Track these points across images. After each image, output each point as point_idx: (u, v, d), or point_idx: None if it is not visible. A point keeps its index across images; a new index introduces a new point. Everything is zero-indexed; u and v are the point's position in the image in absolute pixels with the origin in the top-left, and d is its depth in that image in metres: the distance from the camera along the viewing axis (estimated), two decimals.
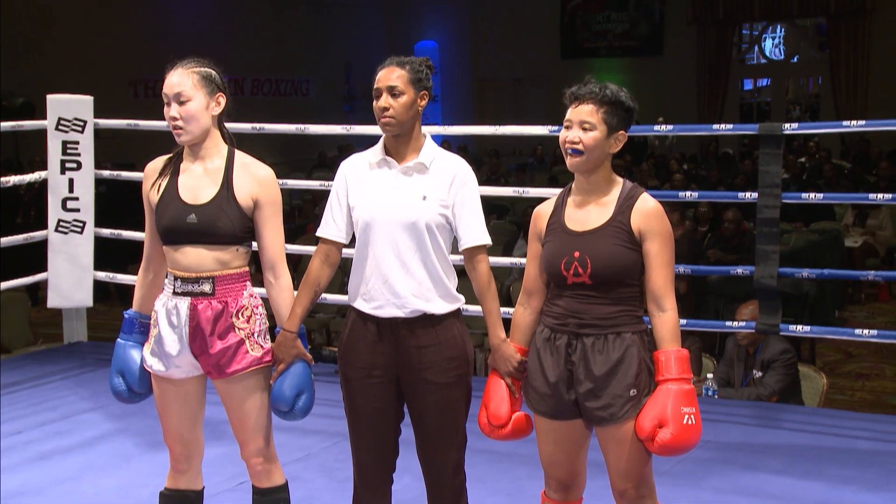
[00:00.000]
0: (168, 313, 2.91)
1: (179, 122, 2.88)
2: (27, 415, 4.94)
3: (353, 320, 3.00)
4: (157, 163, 3.01)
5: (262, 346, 2.96)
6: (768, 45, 20.08)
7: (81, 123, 5.75)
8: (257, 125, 5.76)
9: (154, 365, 2.96)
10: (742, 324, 5.08)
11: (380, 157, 2.95)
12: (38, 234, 5.89)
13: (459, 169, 2.95)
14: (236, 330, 2.91)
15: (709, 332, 6.59)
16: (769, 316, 4.76)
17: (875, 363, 8.34)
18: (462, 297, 3.01)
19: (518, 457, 4.25)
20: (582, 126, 2.73)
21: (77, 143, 5.72)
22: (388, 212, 2.89)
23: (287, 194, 14.74)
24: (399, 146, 2.94)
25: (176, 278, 2.90)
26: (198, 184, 2.91)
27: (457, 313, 2.99)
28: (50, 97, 5.80)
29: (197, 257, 2.88)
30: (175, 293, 2.90)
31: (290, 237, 9.50)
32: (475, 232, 2.94)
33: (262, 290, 3.12)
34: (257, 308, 2.97)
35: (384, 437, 3.02)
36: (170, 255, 2.92)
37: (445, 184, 2.92)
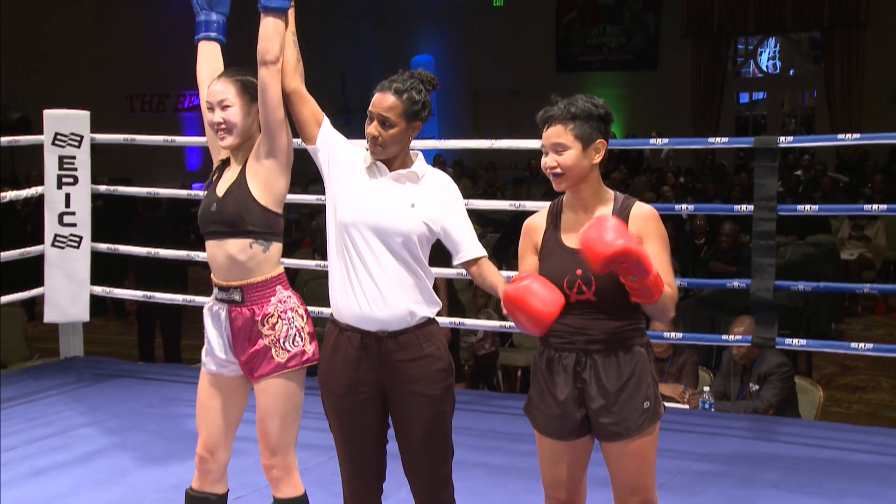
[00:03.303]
0: (213, 317, 3.06)
1: (224, 126, 2.99)
2: (23, 430, 4.92)
3: (335, 337, 2.96)
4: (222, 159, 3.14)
5: (287, 351, 3.00)
6: (763, 58, 20.16)
7: (78, 138, 5.75)
8: None
9: (206, 363, 3.10)
10: (738, 337, 5.08)
11: (370, 161, 2.94)
12: (34, 249, 5.88)
13: (448, 185, 2.98)
14: (263, 336, 3.00)
15: (705, 345, 6.59)
16: (765, 329, 4.76)
17: (871, 375, 8.35)
18: (440, 301, 3.00)
19: (514, 470, 4.25)
20: (555, 149, 2.72)
21: (74, 157, 5.72)
22: (375, 216, 2.86)
23: (284, 209, 14.74)
24: (388, 161, 2.94)
25: (215, 285, 3.05)
26: (227, 180, 3.04)
27: (436, 322, 2.97)
28: (46, 112, 5.80)
29: (220, 257, 2.99)
30: (217, 299, 3.06)
31: (287, 251, 9.50)
32: (477, 244, 2.96)
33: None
34: (284, 314, 3.01)
35: (373, 453, 3.01)
36: (208, 254, 3.06)
37: (434, 197, 2.92)
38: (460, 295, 7.70)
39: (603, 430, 2.74)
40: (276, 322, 3.00)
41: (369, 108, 2.88)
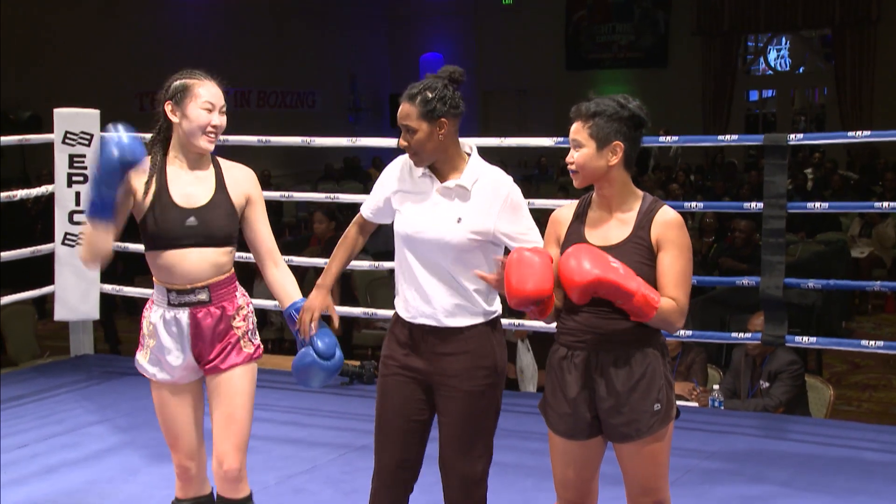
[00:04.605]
0: (167, 325, 2.98)
1: (218, 131, 2.98)
2: (33, 428, 4.94)
3: (393, 322, 3.08)
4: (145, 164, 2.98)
5: (252, 343, 3.05)
6: (773, 55, 20.11)
7: (88, 137, 5.76)
8: (263, 137, 5.77)
9: (157, 374, 3.02)
10: (748, 335, 5.07)
11: (422, 170, 2.98)
12: (44, 248, 5.90)
13: (500, 189, 2.94)
14: (234, 329, 3.01)
15: (715, 343, 6.58)
16: (775, 327, 4.75)
17: (882, 374, 8.33)
18: (497, 310, 3.02)
19: (523, 468, 4.25)
20: (573, 145, 2.73)
21: (84, 156, 5.73)
22: (424, 230, 2.93)
23: (293, 206, 14.77)
24: (438, 167, 2.96)
25: (169, 291, 2.95)
26: (191, 190, 2.97)
27: (492, 324, 3.00)
28: (57, 111, 5.82)
29: (197, 262, 2.93)
30: (171, 304, 2.97)
31: (296, 249, 9.51)
32: (532, 241, 2.94)
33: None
34: (249, 305, 3.08)
35: (408, 438, 3.01)
36: (162, 264, 2.94)
37: (483, 207, 2.92)
38: None
39: (613, 431, 2.73)
40: (247, 314, 3.05)
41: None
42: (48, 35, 15.23)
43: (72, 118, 5.78)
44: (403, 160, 3.05)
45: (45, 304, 8.54)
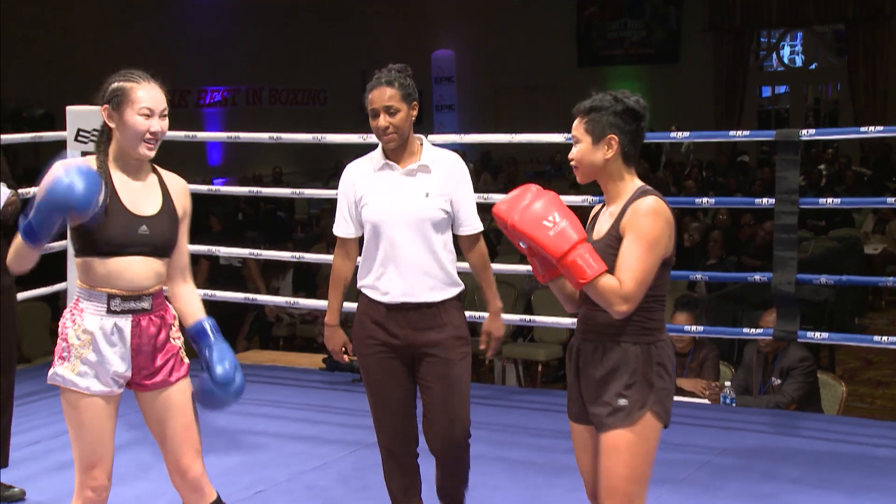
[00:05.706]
0: (106, 334, 2.83)
1: (158, 137, 2.86)
2: (46, 424, 4.95)
3: (365, 304, 3.25)
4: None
5: (186, 357, 2.98)
6: (786, 51, 20.04)
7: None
8: (274, 134, 5.80)
9: (92, 387, 2.83)
10: (759, 331, 5.05)
11: (381, 162, 3.23)
12: (56, 245, 5.91)
13: (456, 165, 3.27)
14: (172, 340, 2.92)
15: (727, 339, 6.56)
16: (787, 322, 4.74)
17: (895, 370, 8.29)
18: (462, 283, 3.26)
19: (534, 465, 4.25)
20: (574, 141, 2.75)
21: None
22: (396, 211, 3.16)
23: (304, 203, 14.79)
24: (398, 152, 3.22)
25: (112, 297, 2.81)
26: (139, 197, 2.87)
27: (460, 297, 3.25)
28: (69, 108, 5.83)
29: (144, 270, 2.83)
30: (112, 312, 2.82)
31: (306, 245, 9.52)
32: (475, 220, 3.29)
33: None
34: (177, 318, 2.99)
35: (403, 409, 3.25)
36: (107, 270, 2.82)
37: (445, 179, 3.20)
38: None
39: (593, 419, 2.72)
40: (179, 326, 2.97)
41: (371, 106, 3.18)
42: (61, 32, 15.29)
43: (84, 116, 5.78)
44: (352, 167, 3.31)
45: (58, 301, 8.58)
